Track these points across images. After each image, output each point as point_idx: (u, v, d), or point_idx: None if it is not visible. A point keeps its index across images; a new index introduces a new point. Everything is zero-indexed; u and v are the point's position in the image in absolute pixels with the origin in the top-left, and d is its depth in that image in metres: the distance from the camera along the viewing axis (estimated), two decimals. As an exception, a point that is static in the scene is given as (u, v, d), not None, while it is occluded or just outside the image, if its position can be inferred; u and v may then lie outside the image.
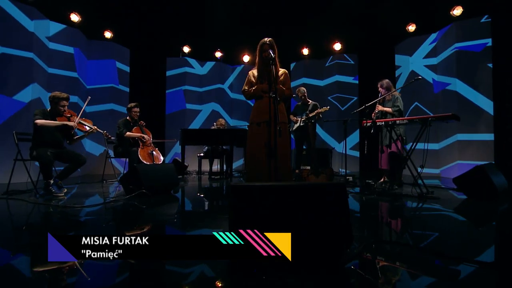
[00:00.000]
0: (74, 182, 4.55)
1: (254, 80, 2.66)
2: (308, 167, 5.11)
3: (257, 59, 2.65)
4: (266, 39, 2.56)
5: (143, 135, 4.48)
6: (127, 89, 6.89)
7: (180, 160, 5.73)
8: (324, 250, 1.28)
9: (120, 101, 6.67)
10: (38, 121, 3.25)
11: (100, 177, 4.82)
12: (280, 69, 2.63)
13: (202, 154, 6.11)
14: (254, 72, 2.70)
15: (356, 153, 7.17)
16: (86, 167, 5.98)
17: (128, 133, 4.45)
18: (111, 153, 4.83)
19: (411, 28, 6.19)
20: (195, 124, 7.71)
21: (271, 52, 2.38)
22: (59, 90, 5.38)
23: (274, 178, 2.19)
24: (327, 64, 7.53)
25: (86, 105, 3.67)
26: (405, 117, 3.54)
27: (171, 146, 7.43)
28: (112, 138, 3.70)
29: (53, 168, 3.36)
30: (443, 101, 5.79)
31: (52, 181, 3.21)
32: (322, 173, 2.91)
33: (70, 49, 5.79)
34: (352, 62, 7.37)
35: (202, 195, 3.83)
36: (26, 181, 3.40)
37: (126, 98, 6.81)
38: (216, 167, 6.63)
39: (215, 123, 6.12)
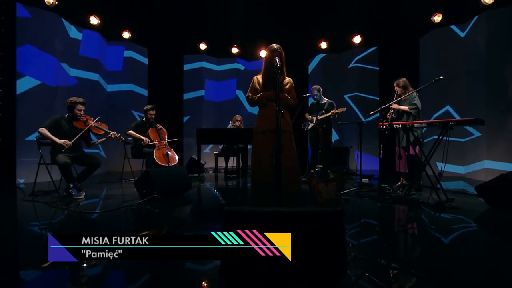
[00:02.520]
0: (95, 182, 4.76)
1: (258, 87, 2.57)
2: (321, 166, 5.00)
3: (264, 65, 2.58)
4: (275, 45, 2.46)
5: (141, 136, 4.48)
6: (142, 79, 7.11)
7: (197, 158, 5.83)
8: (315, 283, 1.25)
9: (139, 83, 6.94)
10: (40, 129, 3.34)
11: (119, 176, 5.02)
12: (286, 77, 2.56)
13: (218, 152, 6.18)
14: (259, 78, 2.60)
15: (375, 155, 6.85)
16: (108, 164, 6.25)
17: (129, 131, 4.54)
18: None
19: (437, 18, 5.78)
20: (214, 117, 7.77)
21: (277, 60, 2.30)
22: (84, 69, 5.72)
23: (278, 189, 2.14)
24: (350, 66, 7.16)
25: (95, 121, 3.72)
26: (424, 121, 3.35)
27: (188, 143, 7.54)
28: (124, 139, 3.86)
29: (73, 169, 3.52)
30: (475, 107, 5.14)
31: (71, 185, 3.38)
32: (332, 181, 2.83)
33: (92, 34, 6.03)
34: (376, 68, 6.99)
35: (217, 193, 3.89)
36: (49, 181, 3.59)
37: (145, 81, 7.06)
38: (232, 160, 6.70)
39: (230, 122, 6.10)
